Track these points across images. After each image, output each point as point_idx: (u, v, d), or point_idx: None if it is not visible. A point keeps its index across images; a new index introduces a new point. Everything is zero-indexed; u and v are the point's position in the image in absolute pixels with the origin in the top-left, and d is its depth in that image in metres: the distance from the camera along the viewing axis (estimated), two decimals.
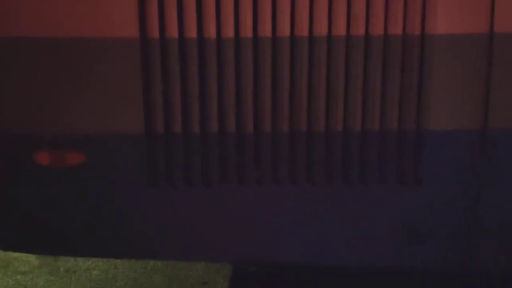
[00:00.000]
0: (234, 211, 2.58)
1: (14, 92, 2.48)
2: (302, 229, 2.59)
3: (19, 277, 3.60)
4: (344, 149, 2.53)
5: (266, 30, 2.44)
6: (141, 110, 2.46)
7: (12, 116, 2.50)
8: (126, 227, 2.59)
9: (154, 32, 2.43)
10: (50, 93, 2.46)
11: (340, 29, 2.45)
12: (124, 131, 2.48)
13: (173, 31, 2.43)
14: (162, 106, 2.47)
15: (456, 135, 2.50)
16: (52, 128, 2.49)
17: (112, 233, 2.60)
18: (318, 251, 2.62)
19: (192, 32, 2.44)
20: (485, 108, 2.47)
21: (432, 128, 2.50)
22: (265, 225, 2.59)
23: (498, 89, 2.46)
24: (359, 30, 2.45)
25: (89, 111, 2.47)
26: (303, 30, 2.45)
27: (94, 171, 2.52)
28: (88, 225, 2.59)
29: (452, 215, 2.57)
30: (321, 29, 2.45)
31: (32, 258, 3.74)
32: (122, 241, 2.61)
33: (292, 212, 2.58)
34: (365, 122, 2.51)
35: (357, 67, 2.48)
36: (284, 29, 2.44)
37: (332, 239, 2.61)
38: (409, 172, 2.55)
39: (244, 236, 2.60)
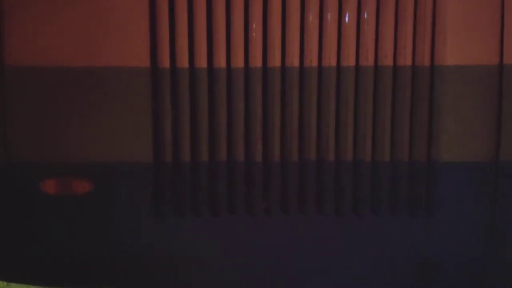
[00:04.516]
0: (242, 241, 2.53)
1: (22, 121, 2.46)
2: (311, 261, 2.55)
3: None
4: (354, 180, 2.51)
5: (275, 60, 2.45)
6: (150, 139, 2.45)
7: (19, 145, 2.48)
8: (134, 257, 2.54)
9: (165, 62, 2.44)
10: (59, 121, 2.45)
11: (349, 60, 2.46)
12: (132, 160, 2.46)
13: (183, 61, 2.44)
14: (171, 136, 2.46)
15: (467, 166, 2.47)
16: (60, 157, 2.47)
17: (120, 264, 2.55)
18: (328, 284, 2.56)
19: (202, 62, 2.44)
20: (496, 139, 2.46)
21: (443, 160, 2.48)
22: (273, 256, 2.54)
23: (509, 119, 2.45)
24: (368, 61, 2.45)
25: (98, 139, 2.46)
26: (312, 61, 2.45)
27: (102, 200, 2.49)
28: (94, 255, 2.54)
29: (465, 248, 2.53)
30: (330, 60, 2.45)
31: None
32: (129, 272, 2.56)
33: (301, 244, 2.53)
34: (376, 154, 2.50)
35: (366, 98, 2.47)
36: (294, 60, 2.45)
37: (341, 271, 2.55)
38: (421, 204, 2.51)
39: (252, 267, 2.55)
